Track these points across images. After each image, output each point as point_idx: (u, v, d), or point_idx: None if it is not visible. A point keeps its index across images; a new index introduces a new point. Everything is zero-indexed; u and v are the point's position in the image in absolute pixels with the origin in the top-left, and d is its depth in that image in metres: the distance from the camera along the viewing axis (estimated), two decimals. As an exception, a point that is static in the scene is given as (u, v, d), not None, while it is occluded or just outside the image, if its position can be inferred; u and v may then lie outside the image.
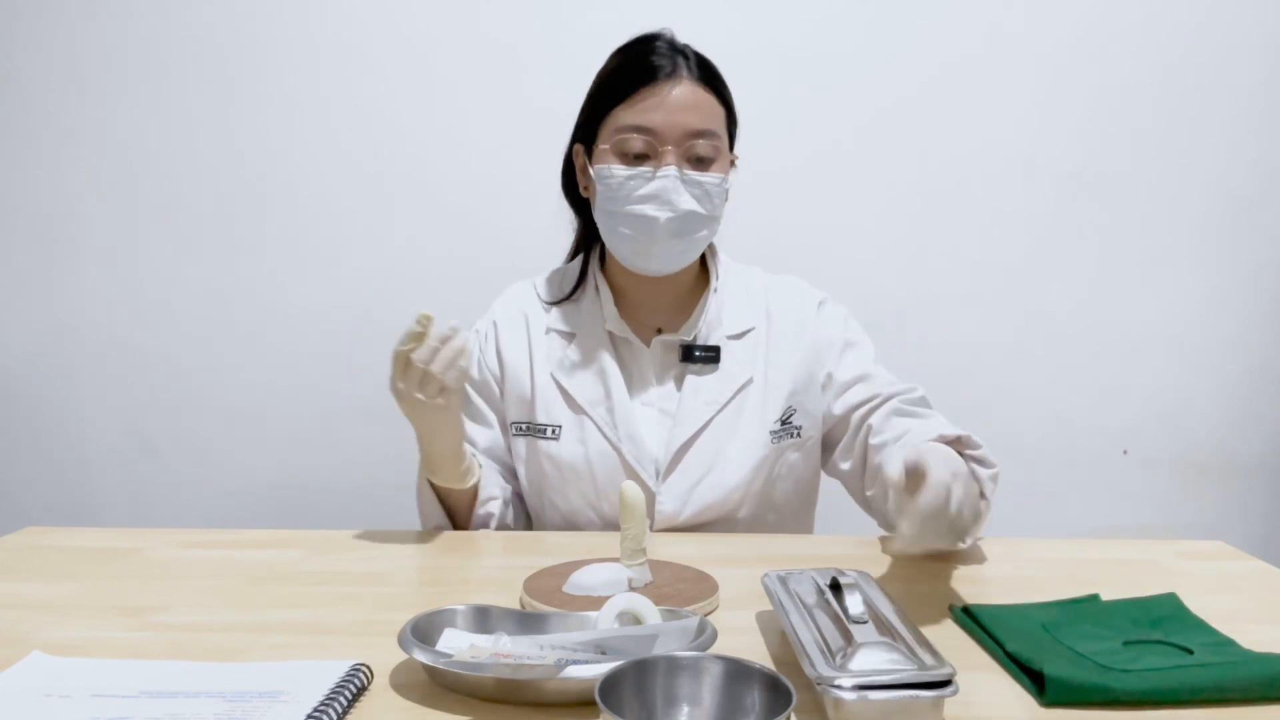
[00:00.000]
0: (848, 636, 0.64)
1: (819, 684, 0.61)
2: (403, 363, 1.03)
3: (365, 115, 1.80)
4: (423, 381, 1.03)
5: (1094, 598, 0.85)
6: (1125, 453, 1.88)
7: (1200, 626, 0.78)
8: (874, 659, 0.62)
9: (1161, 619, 0.80)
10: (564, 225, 1.29)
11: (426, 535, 1.12)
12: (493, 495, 1.17)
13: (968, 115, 1.80)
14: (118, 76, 1.80)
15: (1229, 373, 1.87)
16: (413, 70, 1.79)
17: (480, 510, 1.16)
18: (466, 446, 1.14)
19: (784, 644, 0.77)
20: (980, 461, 1.02)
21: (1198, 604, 0.83)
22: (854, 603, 0.68)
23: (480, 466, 1.17)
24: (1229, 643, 0.75)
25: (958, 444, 1.01)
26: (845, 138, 1.80)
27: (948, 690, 0.60)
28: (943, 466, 0.83)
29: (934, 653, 0.63)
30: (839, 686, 0.60)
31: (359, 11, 1.78)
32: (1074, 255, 1.84)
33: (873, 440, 1.13)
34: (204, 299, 1.85)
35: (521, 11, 1.77)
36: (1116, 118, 1.80)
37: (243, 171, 1.82)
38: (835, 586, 0.71)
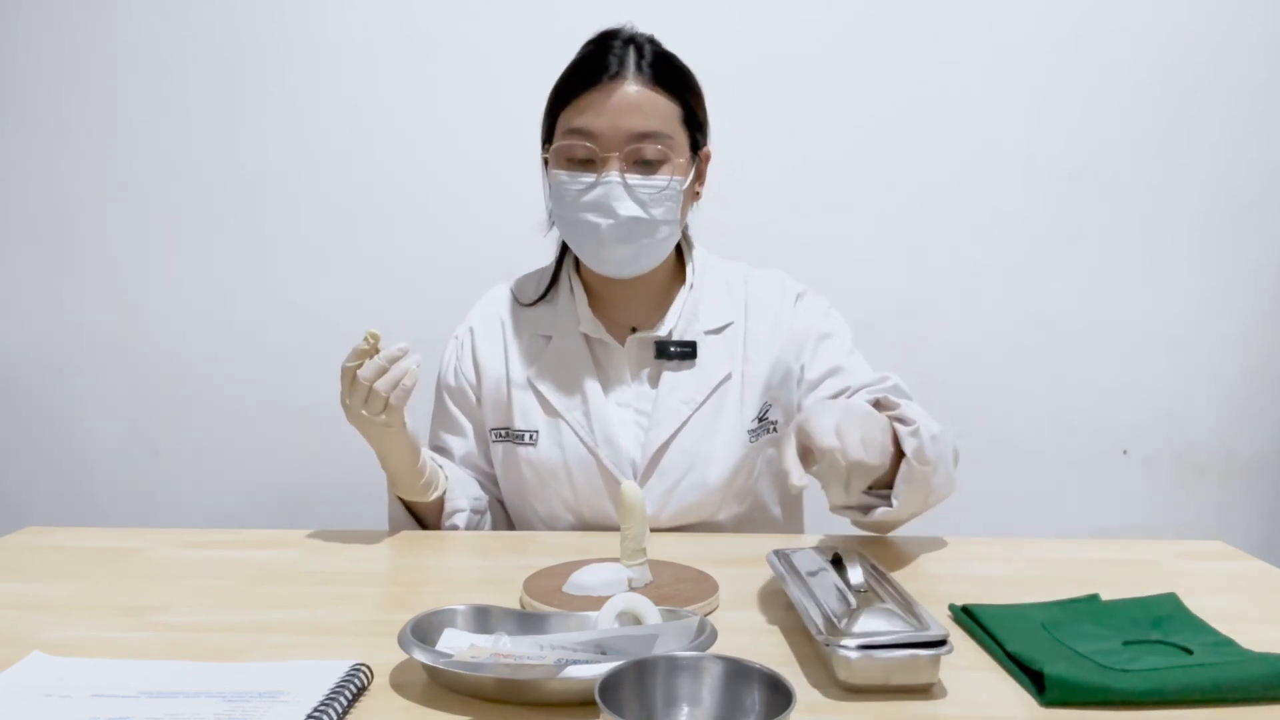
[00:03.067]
0: (849, 603, 0.70)
1: (827, 645, 0.67)
2: (349, 378, 1.03)
3: (365, 116, 1.80)
4: (368, 399, 1.02)
5: (1094, 598, 0.85)
6: (1125, 453, 1.88)
7: (1200, 626, 0.78)
8: (875, 622, 0.68)
9: (1161, 619, 0.80)
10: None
11: (427, 536, 1.12)
12: (459, 508, 1.15)
13: (968, 115, 1.80)
14: (117, 77, 1.80)
15: (1229, 373, 1.87)
16: (413, 72, 1.79)
17: (446, 523, 1.15)
18: (430, 460, 1.12)
19: (784, 645, 0.77)
20: (900, 420, 0.96)
21: (1198, 604, 0.83)
22: (855, 574, 0.74)
23: (446, 478, 1.15)
24: (1229, 643, 0.75)
25: (877, 407, 1.00)
26: (845, 138, 1.80)
27: (943, 649, 0.66)
28: (826, 429, 0.85)
29: (929, 616, 0.69)
30: (845, 647, 0.66)
31: (359, 13, 1.78)
32: (1074, 255, 1.83)
33: None
34: (205, 299, 1.85)
35: (522, 13, 1.77)
36: (1116, 118, 1.80)
37: (243, 172, 1.82)
38: (837, 560, 0.77)
